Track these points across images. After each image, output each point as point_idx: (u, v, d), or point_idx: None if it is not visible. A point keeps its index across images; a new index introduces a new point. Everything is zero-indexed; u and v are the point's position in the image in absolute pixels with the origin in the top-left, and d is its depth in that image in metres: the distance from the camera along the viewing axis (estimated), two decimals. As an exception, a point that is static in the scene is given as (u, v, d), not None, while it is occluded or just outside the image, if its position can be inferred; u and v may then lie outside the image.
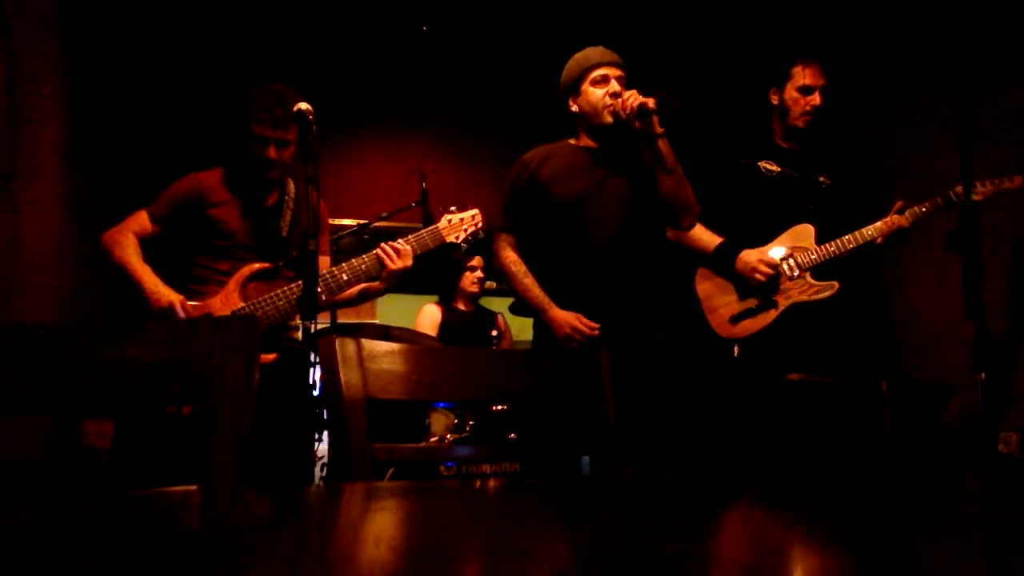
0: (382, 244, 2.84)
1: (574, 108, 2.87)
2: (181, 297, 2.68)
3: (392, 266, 2.80)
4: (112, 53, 4.48)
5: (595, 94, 2.81)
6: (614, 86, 2.79)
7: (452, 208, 3.01)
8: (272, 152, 2.81)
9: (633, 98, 2.69)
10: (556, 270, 2.80)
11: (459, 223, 2.97)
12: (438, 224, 2.97)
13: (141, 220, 2.83)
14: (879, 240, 2.98)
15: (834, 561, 0.61)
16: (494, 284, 4.60)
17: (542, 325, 2.80)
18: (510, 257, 2.87)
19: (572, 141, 2.93)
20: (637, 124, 2.70)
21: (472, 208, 3.02)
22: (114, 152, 4.45)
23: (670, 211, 2.81)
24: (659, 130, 2.72)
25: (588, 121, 2.85)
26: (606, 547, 0.64)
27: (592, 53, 2.86)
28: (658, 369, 2.81)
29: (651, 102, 2.67)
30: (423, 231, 2.93)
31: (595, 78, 2.82)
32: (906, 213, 2.99)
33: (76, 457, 3.41)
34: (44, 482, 3.20)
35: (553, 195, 2.81)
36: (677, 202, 2.79)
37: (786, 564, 0.61)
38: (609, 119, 2.78)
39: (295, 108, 2.49)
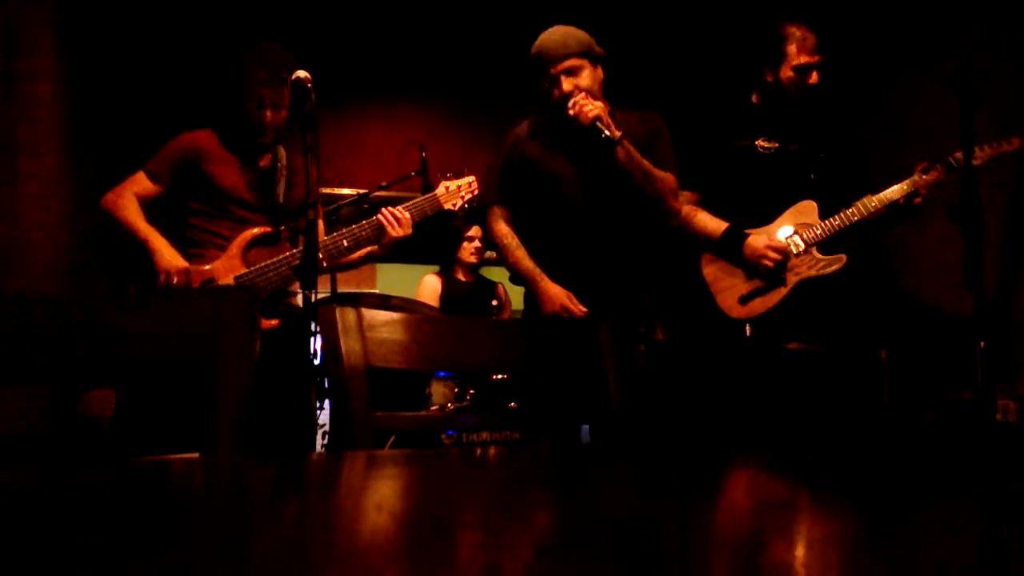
0: (383, 209, 2.86)
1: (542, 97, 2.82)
2: (187, 265, 2.69)
3: (393, 233, 2.83)
4: (109, 22, 4.45)
5: (552, 94, 2.73)
6: (566, 85, 2.70)
7: (449, 175, 3.03)
8: (268, 113, 2.81)
9: (584, 112, 2.64)
10: (547, 242, 2.80)
11: (456, 190, 3.00)
12: (436, 191, 2.99)
13: (141, 181, 2.82)
14: (908, 200, 2.93)
15: (833, 528, 0.62)
16: (494, 254, 4.59)
17: (533, 296, 2.81)
18: (502, 229, 2.86)
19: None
20: (586, 125, 2.66)
21: (469, 175, 3.04)
22: (114, 123, 4.43)
23: (650, 205, 2.79)
24: (616, 134, 2.66)
25: (554, 113, 2.79)
26: (605, 514, 0.65)
27: (545, 47, 2.75)
28: (648, 338, 2.82)
29: (603, 112, 2.64)
30: (421, 198, 2.96)
31: (550, 77, 2.74)
32: (923, 177, 2.94)
33: (77, 426, 3.43)
34: (45, 451, 3.22)
35: (542, 168, 2.79)
36: (651, 198, 2.77)
37: (784, 531, 0.61)
38: (569, 116, 2.70)
39: (293, 76, 2.49)
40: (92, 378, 2.70)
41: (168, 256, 2.69)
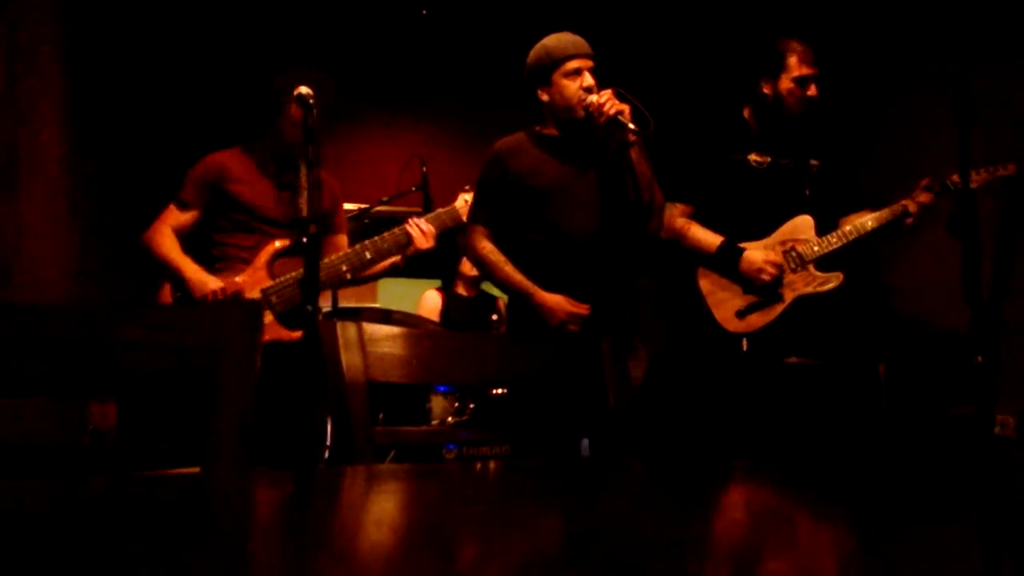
0: (411, 220, 2.92)
1: (544, 98, 2.79)
2: (221, 284, 2.74)
3: (420, 245, 2.89)
4: (113, 28, 4.47)
5: (569, 88, 2.71)
6: (588, 79, 2.70)
7: (467, 187, 3.07)
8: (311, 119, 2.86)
9: (609, 103, 2.62)
10: (534, 259, 2.77)
11: None
12: (455, 204, 3.06)
13: (173, 213, 2.89)
14: (909, 220, 2.97)
15: (831, 542, 0.62)
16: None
17: (521, 310, 2.78)
18: (487, 247, 2.81)
19: (540, 128, 2.87)
20: (604, 121, 2.64)
21: None
22: (117, 131, 4.45)
23: (635, 215, 2.78)
24: (631, 138, 2.65)
25: (558, 114, 2.78)
26: (604, 528, 0.65)
27: (564, 43, 2.75)
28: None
29: (627, 110, 2.62)
30: (441, 211, 3.03)
31: (567, 70, 2.71)
32: (919, 198, 2.97)
33: (79, 439, 3.43)
34: (47, 464, 3.22)
35: (528, 185, 2.77)
36: (641, 207, 2.75)
37: (781, 545, 0.62)
38: (582, 113, 2.70)
39: (295, 92, 2.53)
40: (93, 389, 2.71)
41: (199, 283, 2.75)
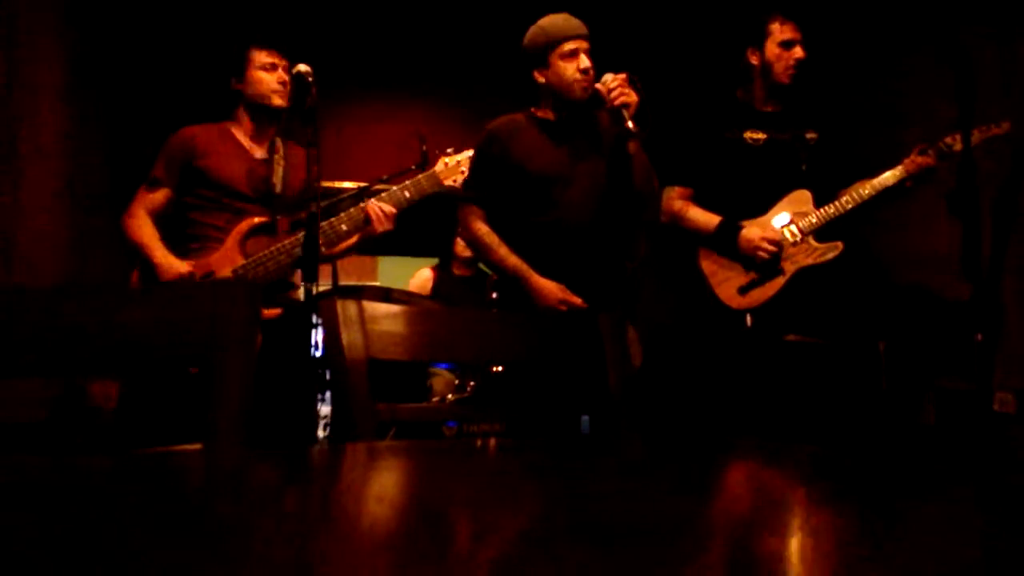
0: (371, 204, 2.82)
1: (541, 80, 2.77)
2: (189, 267, 2.70)
3: (379, 228, 2.80)
4: (113, 17, 4.44)
5: (566, 69, 2.70)
6: (584, 61, 2.69)
7: (449, 150, 2.98)
8: (282, 75, 2.83)
9: (618, 91, 2.60)
10: (529, 242, 2.75)
11: (456, 165, 2.94)
12: (435, 168, 2.94)
13: (144, 195, 2.84)
14: (909, 183, 2.96)
15: (831, 519, 0.62)
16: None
17: (513, 291, 2.77)
18: (482, 228, 2.80)
19: (536, 111, 2.85)
20: (610, 105, 2.62)
21: (469, 149, 2.97)
22: (117, 119, 4.43)
23: (632, 201, 2.77)
24: (633, 129, 2.63)
25: (556, 96, 2.76)
26: (602, 505, 0.66)
27: (560, 24, 2.74)
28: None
29: (634, 103, 2.60)
30: (420, 176, 2.91)
31: (564, 52, 2.70)
32: (916, 161, 2.96)
33: (81, 417, 3.44)
34: (49, 442, 3.23)
35: (526, 169, 2.75)
36: (638, 194, 2.75)
37: (781, 522, 0.62)
38: (580, 95, 2.70)
39: (295, 70, 2.51)
40: (94, 370, 2.72)
41: (167, 267, 2.69)
